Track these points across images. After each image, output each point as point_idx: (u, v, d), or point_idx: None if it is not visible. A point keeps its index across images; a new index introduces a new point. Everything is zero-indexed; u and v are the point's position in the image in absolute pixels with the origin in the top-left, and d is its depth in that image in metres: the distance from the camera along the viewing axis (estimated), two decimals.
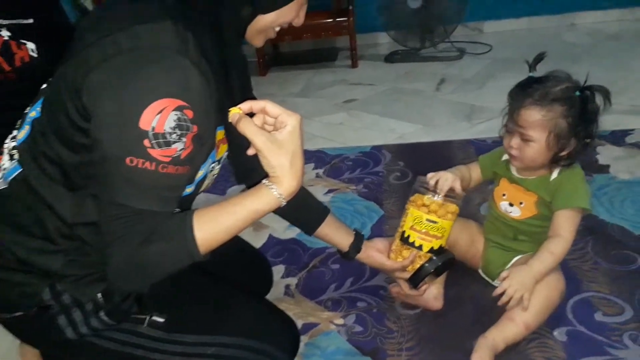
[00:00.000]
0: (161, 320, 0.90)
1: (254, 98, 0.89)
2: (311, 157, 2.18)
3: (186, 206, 0.89)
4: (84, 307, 0.85)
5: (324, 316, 1.34)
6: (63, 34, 1.44)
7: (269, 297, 1.27)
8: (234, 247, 0.92)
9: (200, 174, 0.85)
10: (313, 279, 1.49)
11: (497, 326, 1.16)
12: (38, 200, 0.80)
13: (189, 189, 0.85)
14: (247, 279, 1.17)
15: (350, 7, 3.26)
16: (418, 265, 1.18)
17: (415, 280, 1.18)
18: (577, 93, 1.11)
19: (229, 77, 0.81)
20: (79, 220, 0.80)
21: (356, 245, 1.19)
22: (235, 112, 0.77)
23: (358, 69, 3.37)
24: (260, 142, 0.75)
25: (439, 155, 2.06)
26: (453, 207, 1.17)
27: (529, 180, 1.23)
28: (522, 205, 1.25)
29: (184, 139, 0.72)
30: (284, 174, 0.76)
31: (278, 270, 1.52)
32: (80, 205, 0.79)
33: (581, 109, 1.11)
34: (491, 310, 1.19)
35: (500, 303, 1.13)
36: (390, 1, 3.18)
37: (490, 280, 1.33)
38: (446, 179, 1.18)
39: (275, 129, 0.78)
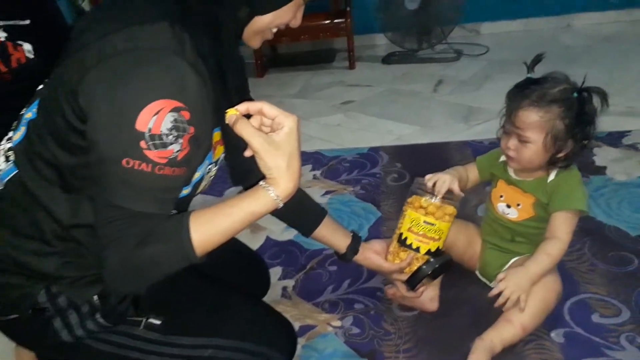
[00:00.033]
0: (158, 322, 0.90)
1: (251, 99, 0.89)
2: (308, 158, 2.18)
3: (183, 208, 0.89)
4: (80, 309, 0.84)
5: (321, 318, 1.34)
6: (60, 35, 1.44)
7: (266, 299, 1.27)
8: (231, 249, 0.92)
9: (197, 175, 0.85)
10: (310, 281, 1.48)
11: (494, 328, 1.16)
12: (34, 202, 0.80)
13: (185, 191, 0.84)
14: (244, 280, 1.17)
15: (348, 9, 3.27)
16: (415, 267, 1.18)
17: (413, 282, 1.18)
18: (575, 94, 1.11)
19: (226, 79, 0.81)
20: (74, 222, 0.80)
21: (353, 247, 1.19)
22: (232, 114, 0.77)
23: (355, 71, 3.38)
24: (257, 143, 0.74)
25: (437, 157, 2.06)
26: (450, 209, 1.17)
27: (526, 181, 1.23)
28: (519, 207, 1.25)
29: (181, 141, 0.72)
30: (281, 176, 0.76)
31: (275, 272, 1.52)
32: (76, 207, 0.79)
33: (579, 110, 1.11)
34: (488, 312, 1.19)
35: (497, 305, 1.13)
36: (387, 3, 3.18)
37: (487, 282, 1.33)
38: (444, 180, 1.18)
39: (273, 131, 0.77)
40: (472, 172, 1.32)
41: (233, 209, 0.77)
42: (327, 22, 3.31)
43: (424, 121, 2.48)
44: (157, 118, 0.69)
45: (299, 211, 1.13)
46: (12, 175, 0.82)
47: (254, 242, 1.66)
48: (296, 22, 0.87)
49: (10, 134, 0.87)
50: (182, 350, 0.89)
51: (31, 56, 1.42)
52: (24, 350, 1.15)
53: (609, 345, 1.16)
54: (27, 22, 1.43)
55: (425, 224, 1.15)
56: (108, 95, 0.69)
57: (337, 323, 1.32)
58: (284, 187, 0.77)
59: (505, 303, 1.12)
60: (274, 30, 0.87)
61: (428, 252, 1.17)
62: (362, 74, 3.30)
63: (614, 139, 2.01)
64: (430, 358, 1.18)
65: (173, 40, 0.72)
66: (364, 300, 1.38)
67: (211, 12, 0.77)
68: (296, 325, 1.29)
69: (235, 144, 0.81)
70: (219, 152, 0.90)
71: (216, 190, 1.96)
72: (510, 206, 1.26)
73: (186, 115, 0.71)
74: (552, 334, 1.20)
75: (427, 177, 1.21)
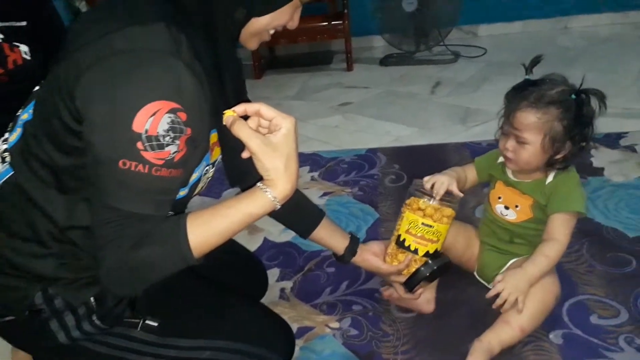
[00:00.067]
0: (154, 324, 0.89)
1: (248, 101, 0.89)
2: (306, 160, 2.18)
3: (180, 209, 0.88)
4: (77, 311, 0.84)
5: (319, 320, 1.34)
6: (56, 36, 1.44)
7: (264, 300, 1.26)
8: (229, 250, 0.92)
9: (194, 176, 0.85)
10: (308, 283, 1.48)
11: (492, 329, 1.15)
12: (29, 204, 0.79)
13: (182, 192, 0.84)
14: (241, 282, 1.17)
15: (346, 11, 3.27)
16: (413, 269, 1.17)
17: (411, 284, 1.18)
18: (573, 96, 1.11)
19: (223, 80, 0.80)
20: (71, 224, 0.79)
21: (351, 249, 1.19)
22: (229, 115, 0.77)
23: (353, 72, 3.38)
24: (254, 144, 0.74)
25: (434, 158, 2.06)
26: (449, 211, 1.17)
27: (524, 183, 1.23)
28: (517, 209, 1.25)
29: (178, 142, 0.72)
30: (279, 177, 0.76)
31: (273, 274, 1.52)
32: (72, 209, 0.79)
33: (577, 112, 1.11)
34: (487, 314, 1.19)
35: (495, 306, 1.13)
36: (385, 5, 3.18)
37: (485, 284, 1.33)
38: (442, 182, 1.18)
39: (270, 132, 0.77)
40: (470, 173, 1.32)
41: (230, 210, 0.76)
42: (325, 24, 3.31)
43: (421, 123, 2.48)
44: (154, 119, 0.69)
45: (297, 213, 1.12)
46: (7, 176, 0.82)
47: (252, 244, 1.66)
48: (293, 24, 0.87)
49: (6, 135, 0.87)
50: (180, 352, 0.89)
51: (28, 58, 1.41)
52: (21, 353, 1.15)
53: (607, 347, 1.16)
54: (24, 23, 1.43)
55: (424, 225, 1.15)
56: (104, 96, 0.69)
57: (335, 324, 1.31)
58: (282, 189, 0.76)
59: (503, 305, 1.12)
60: (271, 31, 0.87)
61: (426, 254, 1.17)
62: (360, 75, 3.31)
63: (612, 140, 2.01)
64: (428, 359, 1.18)
65: (169, 41, 0.72)
66: (362, 301, 1.38)
67: (208, 13, 0.77)
68: (294, 327, 1.29)
69: (232, 145, 0.80)
70: (217, 154, 0.90)
71: (214, 192, 1.96)
72: (509, 207, 1.26)
73: (183, 116, 0.71)
74: (551, 336, 1.20)
75: (425, 178, 1.21)
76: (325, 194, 1.92)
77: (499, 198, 1.28)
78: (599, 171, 1.82)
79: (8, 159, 0.83)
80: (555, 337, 1.20)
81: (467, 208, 1.68)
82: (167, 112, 0.69)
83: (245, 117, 0.78)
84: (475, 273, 1.37)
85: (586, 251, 1.45)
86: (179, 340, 0.90)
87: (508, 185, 1.26)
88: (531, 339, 1.18)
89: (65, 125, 0.73)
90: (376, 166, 2.08)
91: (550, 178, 1.20)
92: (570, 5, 3.56)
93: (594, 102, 1.11)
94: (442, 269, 1.19)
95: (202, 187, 0.92)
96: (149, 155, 0.70)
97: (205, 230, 0.75)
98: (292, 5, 0.83)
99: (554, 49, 3.22)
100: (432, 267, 1.16)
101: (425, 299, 1.29)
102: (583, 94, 1.11)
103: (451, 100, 2.71)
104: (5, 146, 0.85)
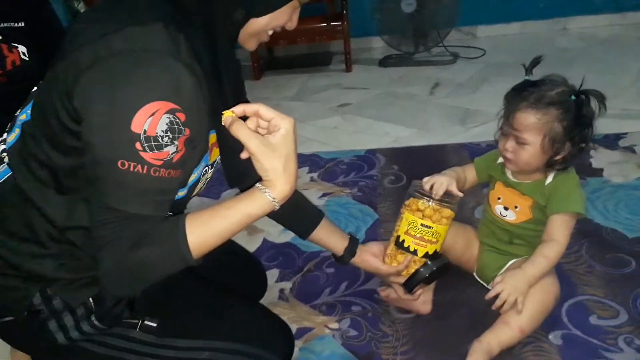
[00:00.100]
0: (153, 324, 0.89)
1: (247, 101, 0.89)
2: (305, 160, 2.18)
3: (179, 210, 0.88)
4: (75, 311, 0.84)
5: (318, 320, 1.34)
6: (55, 37, 1.44)
7: (263, 301, 1.26)
8: (228, 251, 0.92)
9: (193, 177, 0.84)
10: (307, 283, 1.48)
11: (492, 330, 1.15)
12: (28, 204, 0.79)
13: (181, 193, 0.84)
14: (240, 283, 1.17)
15: (345, 12, 3.27)
16: (413, 270, 1.17)
17: (410, 285, 1.18)
18: (573, 97, 1.11)
19: (222, 80, 0.80)
20: (69, 224, 0.79)
21: (351, 250, 1.18)
22: (228, 115, 0.77)
23: (352, 73, 3.38)
24: (253, 145, 0.74)
25: (433, 159, 2.06)
26: (448, 212, 1.17)
27: (524, 184, 1.23)
28: (517, 209, 1.25)
29: (176, 142, 0.72)
30: (278, 178, 0.76)
31: (272, 274, 1.51)
32: (71, 209, 0.79)
33: (576, 113, 1.11)
34: (486, 315, 1.19)
35: (494, 307, 1.13)
36: (384, 6, 3.19)
37: (485, 284, 1.33)
38: (441, 183, 1.18)
39: (269, 133, 0.77)
40: (470, 173, 1.32)
41: (229, 210, 0.76)
42: (324, 25, 3.31)
43: (420, 124, 2.48)
44: (153, 120, 0.69)
45: (296, 213, 1.12)
46: (6, 177, 0.82)
47: (251, 245, 1.66)
48: (292, 25, 0.87)
49: (5, 135, 0.86)
50: (178, 353, 0.89)
51: (26, 58, 1.42)
52: (19, 353, 1.15)
53: (606, 347, 1.16)
54: (23, 24, 1.43)
55: (423, 226, 1.15)
56: (103, 96, 0.69)
57: (335, 325, 1.31)
58: (281, 189, 0.76)
59: (502, 305, 1.12)
60: (270, 32, 0.87)
61: (425, 255, 1.17)
62: (359, 76, 3.31)
63: (611, 141, 2.01)
64: None
65: (168, 41, 0.72)
66: (361, 302, 1.38)
67: (206, 13, 0.77)
68: (293, 328, 1.29)
69: (231, 145, 0.80)
70: (215, 154, 0.90)
71: (213, 193, 1.96)
72: (508, 208, 1.26)
73: (182, 117, 0.71)
74: (550, 336, 1.20)
75: (425, 179, 1.21)
76: (324, 195, 1.92)
77: (499, 199, 1.28)
78: (598, 172, 1.83)
79: (6, 159, 0.83)
80: (554, 337, 1.20)
81: (466, 209, 1.68)
82: (165, 113, 0.69)
83: (244, 118, 0.78)
84: (474, 274, 1.37)
85: (585, 252, 1.45)
86: (177, 340, 0.89)
87: (507, 186, 1.26)
88: (530, 339, 1.18)
89: (63, 126, 0.73)
90: (375, 167, 2.08)
91: (549, 179, 1.20)
92: (569, 7, 3.56)
93: (594, 103, 1.11)
94: (442, 269, 1.19)
95: (201, 188, 0.91)
96: (147, 155, 0.70)
97: (204, 230, 0.75)
98: (290, 6, 0.83)
99: (552, 50, 3.23)
100: (432, 268, 1.16)
101: (422, 299, 1.29)
102: (583, 95, 1.11)
103: (450, 101, 2.71)
104: (3, 147, 0.84)
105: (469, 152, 2.07)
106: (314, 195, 1.91)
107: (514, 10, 3.62)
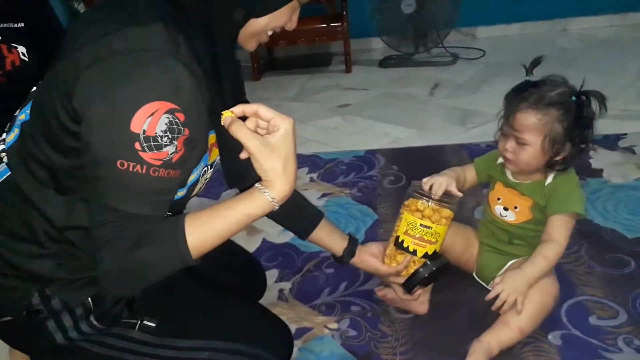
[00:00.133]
0: (152, 324, 0.89)
1: (247, 102, 0.89)
2: (305, 161, 2.18)
3: (178, 210, 0.88)
4: (74, 311, 0.84)
5: (317, 320, 1.34)
6: (54, 37, 1.44)
7: (262, 301, 1.26)
8: (227, 251, 0.92)
9: (192, 177, 0.84)
10: (307, 283, 1.48)
11: (491, 330, 1.15)
12: (27, 204, 0.79)
13: (180, 193, 0.84)
14: (240, 283, 1.17)
15: (345, 13, 3.27)
16: (412, 270, 1.17)
17: (410, 285, 1.18)
18: (573, 98, 1.11)
19: (221, 80, 0.80)
20: (68, 224, 0.79)
21: (350, 250, 1.18)
22: (227, 115, 0.76)
23: (352, 74, 3.38)
24: (252, 145, 0.74)
25: (433, 160, 2.06)
26: (447, 213, 1.17)
27: (524, 184, 1.23)
28: (516, 210, 1.25)
29: (176, 142, 0.72)
30: (277, 178, 0.76)
31: (272, 275, 1.51)
32: (70, 209, 0.79)
33: (577, 113, 1.11)
34: (486, 315, 1.19)
35: (494, 307, 1.13)
36: (384, 6, 3.19)
37: (484, 285, 1.33)
38: (440, 183, 1.18)
39: (268, 133, 0.77)
40: (469, 174, 1.32)
41: (229, 211, 0.76)
42: (324, 25, 3.31)
43: (420, 124, 2.48)
44: (152, 120, 0.69)
45: (296, 214, 1.12)
46: (5, 177, 0.82)
47: (251, 245, 1.66)
48: (292, 25, 0.87)
49: (4, 135, 0.86)
50: (178, 353, 0.89)
51: (26, 59, 1.42)
52: (18, 353, 1.14)
53: (606, 348, 1.16)
54: (22, 24, 1.43)
55: (422, 227, 1.15)
56: (103, 96, 0.69)
57: (334, 325, 1.31)
58: (280, 190, 0.76)
59: (502, 306, 1.12)
60: (270, 33, 0.87)
61: (425, 255, 1.17)
62: (359, 77, 3.31)
63: (610, 141, 2.01)
64: None
65: (168, 41, 0.72)
66: (360, 302, 1.38)
67: (206, 14, 0.77)
68: (293, 328, 1.29)
69: (230, 146, 0.80)
70: (215, 155, 0.90)
71: (212, 193, 1.96)
72: (508, 209, 1.26)
73: (181, 117, 0.71)
74: (550, 336, 1.20)
75: (424, 180, 1.21)
76: (324, 195, 1.92)
77: (498, 199, 1.28)
78: (597, 172, 1.83)
79: (5, 159, 0.83)
80: (554, 338, 1.20)
81: (466, 209, 1.68)
82: (165, 113, 0.69)
83: (244, 118, 0.78)
84: (474, 274, 1.36)
85: (585, 252, 1.45)
86: (177, 340, 0.89)
87: (507, 187, 1.26)
88: (530, 339, 1.18)
89: (62, 126, 0.73)
90: (375, 167, 2.08)
91: (549, 179, 1.20)
92: (569, 7, 3.56)
93: (594, 104, 1.11)
94: (441, 270, 1.19)
95: (200, 188, 0.91)
96: (146, 155, 0.70)
97: (203, 230, 0.75)
98: (290, 7, 0.83)
99: (552, 51, 3.23)
100: (431, 268, 1.16)
101: (419, 300, 1.28)
102: (583, 96, 1.11)
103: (450, 102, 2.71)
104: (2, 146, 0.84)
105: (469, 153, 2.07)
106: (313, 196, 1.91)
107: (513, 11, 3.62)
